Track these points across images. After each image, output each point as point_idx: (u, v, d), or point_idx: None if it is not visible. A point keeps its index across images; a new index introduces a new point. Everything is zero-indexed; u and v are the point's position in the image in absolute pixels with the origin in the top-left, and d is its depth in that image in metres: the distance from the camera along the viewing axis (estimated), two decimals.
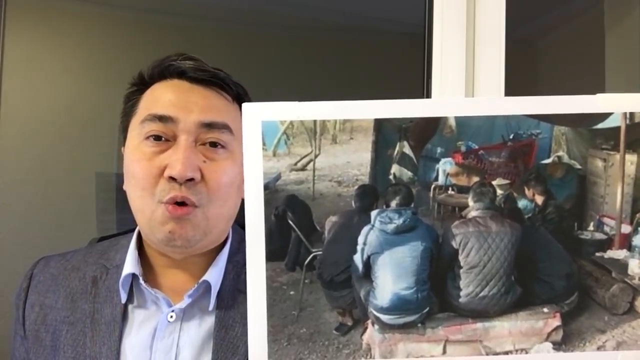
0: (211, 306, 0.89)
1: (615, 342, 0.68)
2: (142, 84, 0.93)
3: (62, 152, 1.40)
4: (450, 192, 0.70)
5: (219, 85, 0.91)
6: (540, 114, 0.67)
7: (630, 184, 0.69)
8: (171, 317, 0.88)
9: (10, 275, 1.27)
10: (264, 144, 0.66)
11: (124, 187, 0.91)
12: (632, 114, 0.67)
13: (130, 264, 0.91)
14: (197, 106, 0.88)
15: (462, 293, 0.69)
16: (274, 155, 0.67)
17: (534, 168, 0.69)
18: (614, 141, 0.69)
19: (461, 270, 0.69)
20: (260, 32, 1.51)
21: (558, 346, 0.69)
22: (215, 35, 1.49)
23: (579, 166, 0.70)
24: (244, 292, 0.67)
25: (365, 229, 0.68)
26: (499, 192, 0.69)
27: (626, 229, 0.69)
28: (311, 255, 0.68)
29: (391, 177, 0.68)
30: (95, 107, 1.40)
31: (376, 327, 0.68)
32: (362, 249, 0.68)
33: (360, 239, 0.68)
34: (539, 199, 0.69)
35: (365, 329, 0.68)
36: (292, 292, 0.68)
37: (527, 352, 0.69)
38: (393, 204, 0.68)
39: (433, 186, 0.69)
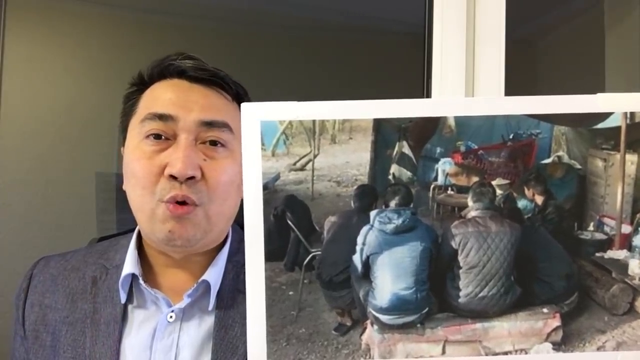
0: (211, 306, 0.89)
1: (615, 342, 0.68)
2: (141, 84, 0.93)
3: (62, 152, 1.40)
4: (449, 192, 0.70)
5: (218, 84, 0.91)
6: (540, 114, 0.67)
7: (630, 184, 0.69)
8: (171, 317, 0.88)
9: (10, 275, 1.27)
10: (262, 143, 0.66)
11: (124, 187, 0.91)
12: (632, 114, 0.67)
13: (130, 264, 0.91)
14: (197, 105, 0.88)
15: (461, 293, 0.69)
16: (273, 155, 0.67)
17: (534, 168, 0.69)
18: (614, 141, 0.68)
19: (460, 271, 0.69)
20: (260, 32, 1.52)
21: (558, 346, 0.68)
22: (215, 35, 1.50)
23: (579, 166, 0.69)
24: (243, 292, 0.67)
25: (365, 229, 0.68)
26: (499, 192, 0.68)
27: (626, 229, 0.69)
28: (310, 256, 0.68)
29: (390, 177, 0.68)
30: (95, 107, 1.41)
31: (375, 327, 0.68)
32: (361, 249, 0.68)
33: (360, 239, 0.68)
34: (539, 199, 0.69)
35: (365, 329, 0.68)
36: (291, 293, 0.67)
37: (526, 353, 0.69)
38: (392, 204, 0.68)
39: (432, 186, 0.69)
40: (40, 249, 1.28)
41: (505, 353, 0.68)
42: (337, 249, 0.68)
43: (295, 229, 0.68)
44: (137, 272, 0.90)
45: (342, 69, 1.52)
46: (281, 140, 0.67)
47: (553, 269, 0.69)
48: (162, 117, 0.86)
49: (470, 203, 0.69)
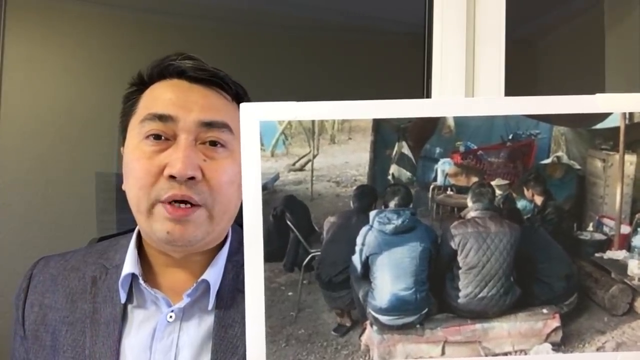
0: (210, 306, 0.89)
1: (614, 343, 0.68)
2: (141, 84, 0.93)
3: (62, 152, 1.40)
4: (449, 192, 0.69)
5: (218, 84, 0.91)
6: (539, 114, 0.67)
7: (629, 185, 0.69)
8: (170, 317, 0.88)
9: (10, 275, 1.27)
10: (262, 144, 0.66)
11: (123, 187, 0.91)
12: (631, 114, 0.67)
13: (130, 264, 0.91)
14: (197, 105, 0.88)
15: (461, 294, 0.69)
16: (272, 155, 0.67)
17: (533, 168, 0.69)
18: (613, 141, 0.68)
19: (460, 271, 0.69)
20: (260, 32, 1.52)
21: (557, 347, 0.68)
22: (215, 35, 1.50)
23: (578, 166, 0.69)
24: (243, 291, 0.67)
25: (364, 229, 0.68)
26: (498, 192, 0.68)
27: (625, 229, 0.69)
28: (309, 256, 0.68)
29: (390, 177, 0.68)
30: (95, 107, 1.41)
31: (375, 328, 0.68)
32: (361, 250, 0.68)
33: (359, 240, 0.68)
34: (538, 200, 0.69)
35: (364, 329, 0.68)
36: (290, 293, 0.67)
37: (526, 353, 0.69)
38: (392, 204, 0.68)
39: (432, 186, 0.69)
40: (40, 249, 1.28)
41: (505, 354, 0.68)
42: (336, 250, 0.68)
43: (295, 230, 0.68)
44: (137, 272, 0.90)
45: (342, 69, 1.52)
46: (280, 140, 0.67)
47: (552, 269, 0.69)
48: (161, 118, 0.86)
49: (469, 203, 0.69)
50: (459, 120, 0.66)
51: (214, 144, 0.88)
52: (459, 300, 0.69)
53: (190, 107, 0.87)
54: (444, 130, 0.67)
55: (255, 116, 0.65)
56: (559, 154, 0.69)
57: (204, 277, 0.89)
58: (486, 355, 0.68)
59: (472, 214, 0.69)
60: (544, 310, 0.69)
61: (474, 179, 0.69)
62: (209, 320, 0.89)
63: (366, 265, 0.68)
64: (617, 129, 0.68)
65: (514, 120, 0.67)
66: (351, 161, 0.67)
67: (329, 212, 0.68)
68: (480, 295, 0.68)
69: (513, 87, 1.41)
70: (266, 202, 0.66)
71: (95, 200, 1.40)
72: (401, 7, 1.55)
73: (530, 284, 0.69)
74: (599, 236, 0.69)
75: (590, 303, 0.69)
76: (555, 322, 0.69)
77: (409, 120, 0.67)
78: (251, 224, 0.66)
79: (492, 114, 0.66)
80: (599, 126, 0.68)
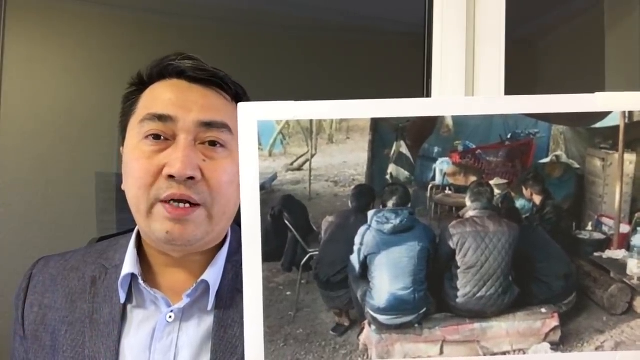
0: (210, 306, 0.89)
1: (613, 342, 0.68)
2: (141, 84, 0.93)
3: (62, 152, 1.40)
4: (447, 192, 0.69)
5: (218, 84, 0.91)
6: (538, 113, 0.67)
7: (629, 184, 0.68)
8: (170, 317, 0.88)
9: (10, 275, 1.27)
10: (260, 143, 0.66)
11: (123, 187, 0.91)
12: (630, 113, 0.67)
13: (130, 264, 0.91)
14: (197, 105, 0.88)
15: (459, 293, 0.68)
16: (270, 155, 0.67)
17: (532, 168, 0.69)
18: (612, 140, 0.68)
19: (458, 271, 0.69)
20: (260, 32, 1.52)
21: (556, 347, 0.68)
22: (215, 35, 1.50)
23: (577, 166, 0.69)
24: (242, 291, 0.67)
25: (362, 229, 0.68)
26: (497, 191, 0.68)
27: (625, 228, 0.69)
28: (308, 256, 0.68)
29: (388, 177, 0.68)
30: (95, 107, 1.41)
31: (373, 327, 0.68)
32: (359, 249, 0.68)
33: (357, 239, 0.68)
34: (537, 199, 0.69)
35: (362, 329, 0.68)
36: (288, 293, 0.67)
37: (525, 353, 0.68)
38: (390, 204, 0.68)
39: (430, 186, 0.69)
40: (40, 249, 1.28)
41: (504, 353, 0.68)
42: (334, 249, 0.68)
43: (293, 229, 0.68)
44: (137, 272, 0.90)
45: (342, 69, 1.52)
46: (278, 140, 0.66)
47: (551, 268, 0.69)
48: (161, 118, 0.86)
49: (468, 203, 0.69)
50: (457, 119, 0.66)
51: (213, 144, 0.88)
52: (458, 300, 0.68)
53: (190, 107, 0.87)
54: (442, 130, 0.67)
55: (253, 116, 0.65)
56: (558, 153, 0.69)
57: (203, 277, 0.89)
58: (485, 355, 0.68)
59: (470, 213, 0.69)
60: (543, 310, 0.69)
61: (473, 179, 0.69)
62: (208, 321, 0.89)
63: (364, 265, 0.68)
64: (616, 127, 0.68)
65: (512, 119, 0.67)
66: (349, 161, 0.67)
67: (327, 212, 0.68)
68: (479, 294, 0.68)
69: (513, 87, 1.41)
70: (264, 202, 0.66)
71: (95, 200, 1.40)
72: (401, 7, 1.55)
73: (528, 283, 0.69)
74: (598, 235, 0.69)
75: (589, 302, 0.69)
76: (554, 322, 0.69)
77: (408, 119, 0.67)
78: (249, 224, 0.66)
79: (490, 113, 0.66)
80: (598, 125, 0.68)
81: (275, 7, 1.53)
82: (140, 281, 0.89)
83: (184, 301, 0.88)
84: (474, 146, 0.68)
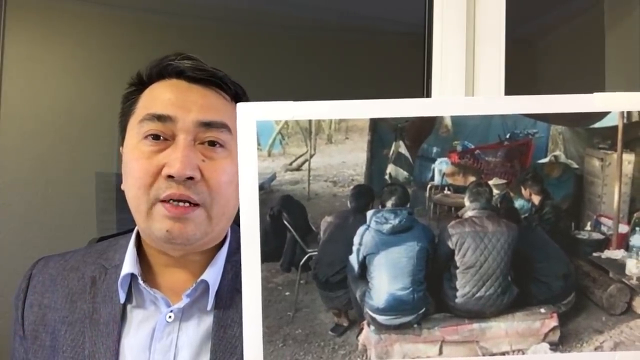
0: (209, 306, 0.89)
1: (612, 342, 0.68)
2: (140, 84, 0.93)
3: (62, 152, 1.40)
4: (446, 192, 0.69)
5: (217, 84, 0.91)
6: (537, 113, 0.67)
7: (627, 184, 0.68)
8: (170, 317, 0.88)
9: (10, 275, 1.27)
10: (258, 144, 0.66)
11: (122, 187, 0.91)
12: (629, 113, 0.67)
13: (129, 264, 0.91)
14: (196, 105, 0.88)
15: (458, 293, 0.68)
16: (269, 155, 0.66)
17: (531, 168, 0.69)
18: (611, 140, 0.68)
19: (457, 271, 0.69)
20: (260, 32, 1.52)
21: (555, 347, 0.68)
22: (215, 35, 1.50)
23: (576, 166, 0.69)
24: (242, 292, 0.67)
25: (361, 229, 0.68)
26: (496, 192, 0.68)
27: (624, 228, 0.69)
28: (306, 256, 0.68)
29: (387, 177, 0.68)
30: (95, 107, 1.41)
31: (372, 327, 0.68)
32: (358, 250, 0.68)
33: (356, 240, 0.68)
34: (536, 199, 0.69)
35: (361, 329, 0.68)
36: (287, 293, 0.67)
37: (524, 353, 0.68)
38: (389, 204, 0.68)
39: (429, 186, 0.69)
40: (40, 249, 1.28)
41: (503, 353, 0.68)
42: (333, 250, 0.68)
43: (292, 230, 0.68)
44: (136, 272, 0.90)
45: (342, 69, 1.52)
46: (277, 140, 0.66)
47: (550, 269, 0.69)
48: (160, 118, 0.86)
49: (467, 203, 0.69)
50: (456, 119, 0.66)
51: (212, 144, 0.88)
52: (457, 300, 0.68)
53: (189, 107, 0.87)
54: (441, 130, 0.67)
55: (252, 116, 0.65)
56: (557, 153, 0.69)
57: (203, 277, 0.89)
58: (484, 355, 0.68)
59: (469, 213, 0.69)
60: (542, 310, 0.69)
61: (472, 179, 0.69)
62: (208, 321, 0.89)
63: (363, 265, 0.68)
64: (615, 128, 0.68)
65: (511, 119, 0.67)
66: (348, 161, 0.67)
67: (326, 212, 0.68)
68: (478, 294, 0.68)
69: (513, 87, 1.41)
70: (263, 202, 0.66)
71: (95, 200, 1.40)
72: (401, 7, 1.55)
73: (527, 283, 0.69)
74: (596, 235, 0.69)
75: (588, 302, 0.69)
76: (553, 322, 0.68)
77: (406, 119, 0.67)
78: (248, 224, 0.66)
79: (489, 113, 0.66)
80: (597, 125, 0.68)
81: (275, 7, 1.54)
82: (140, 281, 0.89)
83: (184, 301, 0.88)
84: (473, 146, 0.68)
